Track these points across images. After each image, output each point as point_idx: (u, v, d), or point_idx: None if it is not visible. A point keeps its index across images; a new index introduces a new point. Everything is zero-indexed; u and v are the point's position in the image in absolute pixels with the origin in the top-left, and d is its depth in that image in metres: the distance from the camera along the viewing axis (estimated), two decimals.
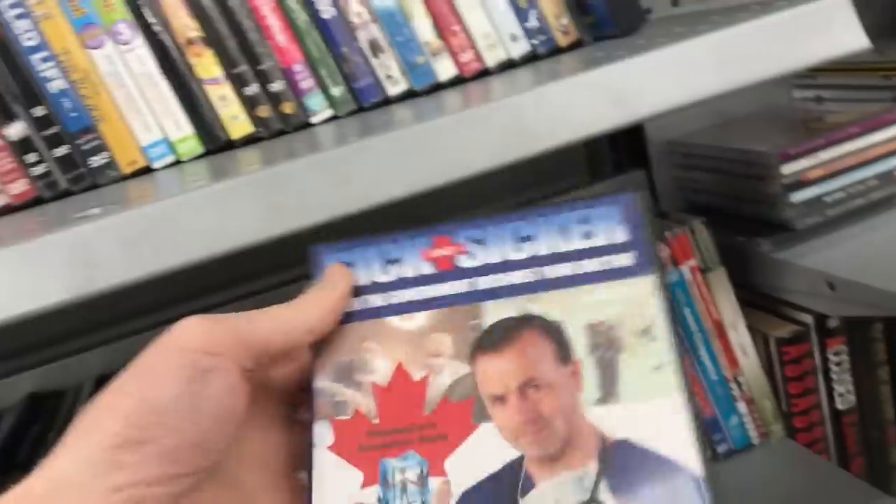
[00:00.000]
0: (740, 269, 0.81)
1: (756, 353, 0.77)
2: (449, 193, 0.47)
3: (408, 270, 0.38)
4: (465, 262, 0.37)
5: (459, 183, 0.45)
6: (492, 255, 0.37)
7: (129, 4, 0.55)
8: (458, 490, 0.34)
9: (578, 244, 0.37)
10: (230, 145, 0.58)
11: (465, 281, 0.37)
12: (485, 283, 0.37)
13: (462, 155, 0.45)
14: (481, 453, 0.34)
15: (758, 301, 0.82)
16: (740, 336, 0.76)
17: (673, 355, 0.34)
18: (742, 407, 0.76)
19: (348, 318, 0.37)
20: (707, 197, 0.93)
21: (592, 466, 0.33)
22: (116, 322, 0.89)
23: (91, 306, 0.45)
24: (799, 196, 0.79)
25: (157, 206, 0.44)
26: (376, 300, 0.38)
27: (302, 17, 0.57)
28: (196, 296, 0.91)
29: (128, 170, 0.56)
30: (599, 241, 0.37)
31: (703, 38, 0.50)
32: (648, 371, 0.34)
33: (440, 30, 0.59)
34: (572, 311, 0.36)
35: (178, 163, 0.57)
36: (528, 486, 0.33)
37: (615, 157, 1.02)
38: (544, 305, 0.36)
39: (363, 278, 0.38)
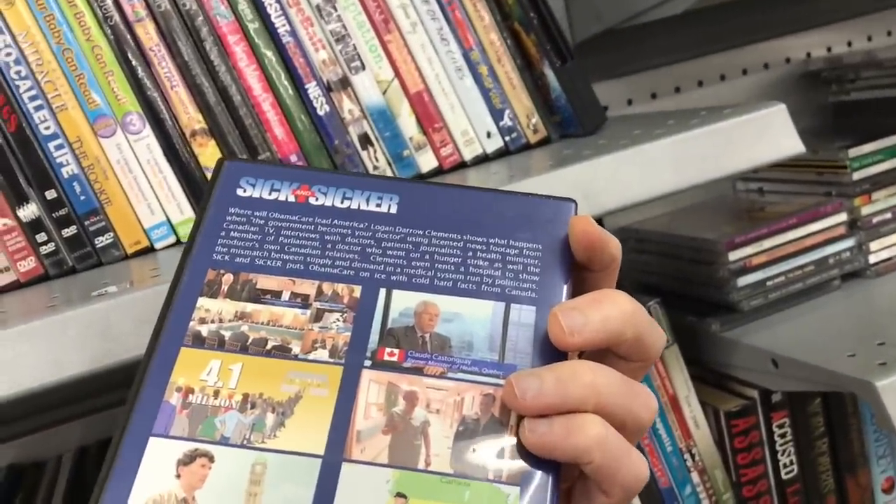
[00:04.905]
0: (692, 347, 0.86)
1: (707, 425, 0.82)
2: None
3: None
4: None
5: None
6: None
7: (140, 98, 0.60)
8: None
9: None
10: None
11: None
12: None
13: None
14: None
15: (708, 377, 0.87)
16: (693, 409, 0.81)
17: None
18: (695, 477, 0.81)
19: None
20: (659, 279, 0.99)
21: None
22: (95, 394, 0.91)
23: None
24: (744, 280, 0.85)
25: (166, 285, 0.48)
26: None
27: (299, 113, 0.63)
28: None
29: (131, 249, 0.60)
30: None
31: (660, 141, 0.56)
32: None
33: (424, 126, 0.65)
34: None
35: (178, 243, 0.61)
36: None
37: None
38: None
39: None
